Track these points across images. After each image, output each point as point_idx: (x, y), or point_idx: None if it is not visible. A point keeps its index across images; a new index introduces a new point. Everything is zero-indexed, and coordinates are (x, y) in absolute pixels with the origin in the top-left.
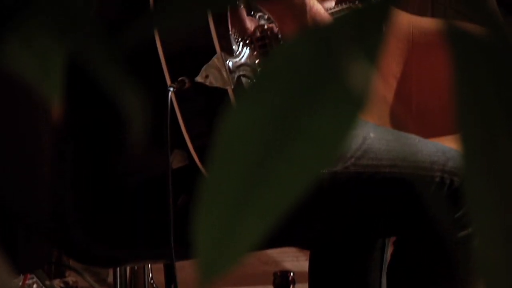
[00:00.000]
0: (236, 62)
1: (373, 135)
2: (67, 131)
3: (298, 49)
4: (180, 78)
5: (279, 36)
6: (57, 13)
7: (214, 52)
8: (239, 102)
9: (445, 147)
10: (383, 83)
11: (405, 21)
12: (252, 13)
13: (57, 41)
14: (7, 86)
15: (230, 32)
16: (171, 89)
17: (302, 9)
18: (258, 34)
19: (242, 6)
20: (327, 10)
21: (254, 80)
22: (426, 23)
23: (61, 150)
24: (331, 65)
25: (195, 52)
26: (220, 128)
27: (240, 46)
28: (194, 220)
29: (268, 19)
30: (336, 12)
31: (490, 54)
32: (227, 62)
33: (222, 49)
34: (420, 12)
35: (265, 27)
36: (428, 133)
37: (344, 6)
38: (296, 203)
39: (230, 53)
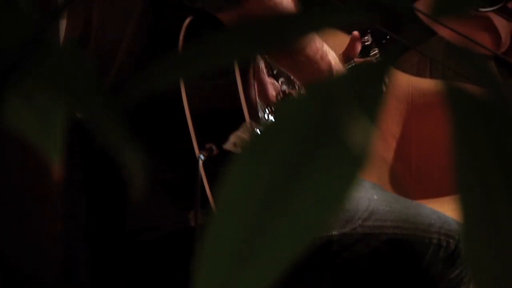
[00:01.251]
0: None
1: (376, 197)
2: (78, 188)
3: (301, 106)
4: (208, 146)
5: None
6: (59, 73)
7: (243, 119)
8: (242, 157)
9: (439, 211)
10: (383, 144)
11: (405, 82)
12: (275, 78)
13: (59, 101)
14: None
15: (257, 100)
16: (202, 157)
17: (329, 75)
18: (282, 101)
19: (265, 73)
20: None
21: (257, 136)
22: (426, 84)
23: (73, 206)
24: (331, 122)
25: (223, 119)
26: (223, 182)
27: (266, 114)
28: (194, 273)
29: (290, 83)
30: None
31: (490, 116)
32: (256, 130)
33: (251, 116)
34: (419, 73)
35: (287, 92)
36: (428, 194)
37: (351, 65)
38: (299, 260)
39: (257, 120)
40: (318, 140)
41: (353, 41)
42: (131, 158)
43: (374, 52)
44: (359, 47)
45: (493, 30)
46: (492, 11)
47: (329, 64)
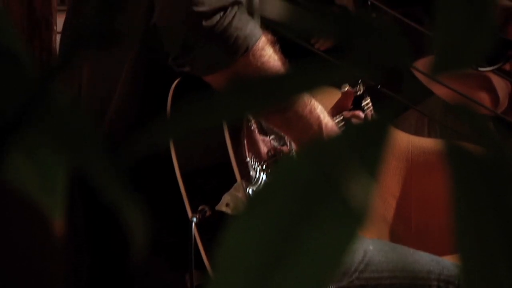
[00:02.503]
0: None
1: (372, 247)
2: (80, 246)
3: (300, 163)
4: (200, 207)
5: None
6: (60, 129)
7: (234, 180)
8: (240, 217)
9: (438, 257)
10: (383, 203)
11: (404, 141)
12: (267, 135)
13: (60, 157)
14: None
15: (248, 159)
16: (194, 219)
17: (318, 129)
18: (272, 158)
19: (256, 131)
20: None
21: (256, 194)
22: (425, 142)
23: (76, 265)
24: (331, 179)
25: (215, 180)
26: (221, 243)
27: (257, 172)
28: None
29: (281, 140)
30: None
31: (489, 174)
32: (248, 189)
33: (242, 176)
34: (417, 132)
35: (278, 149)
36: (428, 253)
37: (334, 119)
38: None
39: (249, 180)
40: (317, 198)
41: (345, 96)
42: (133, 216)
43: (366, 102)
44: (351, 101)
45: (491, 90)
46: (491, 70)
47: (318, 118)
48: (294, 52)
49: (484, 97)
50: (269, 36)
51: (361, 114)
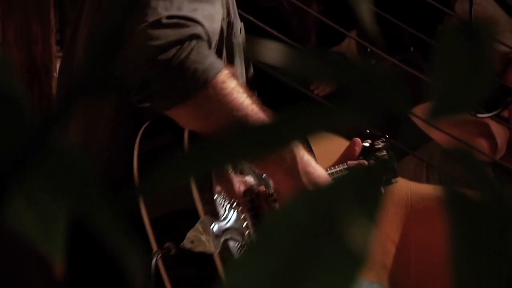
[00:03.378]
0: (222, 226)
1: None
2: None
3: (298, 209)
4: (166, 245)
5: (273, 196)
6: (61, 173)
7: (199, 217)
8: (240, 259)
9: None
10: (382, 249)
11: (404, 187)
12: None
13: (60, 201)
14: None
15: (215, 197)
16: (156, 255)
17: (296, 172)
18: (247, 197)
19: (230, 170)
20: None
21: (254, 238)
22: (424, 189)
23: None
24: (330, 224)
25: (179, 218)
26: (223, 282)
27: (227, 210)
28: None
29: (258, 178)
30: (333, 173)
31: (488, 220)
32: (212, 226)
33: (206, 213)
34: (415, 179)
35: (255, 189)
36: None
37: (338, 168)
38: None
39: (216, 216)
40: (317, 241)
41: (352, 146)
42: (132, 258)
43: (381, 154)
44: (358, 150)
45: (490, 136)
46: (490, 117)
47: (318, 175)
48: (291, 98)
49: (482, 143)
50: (232, 70)
51: (366, 163)
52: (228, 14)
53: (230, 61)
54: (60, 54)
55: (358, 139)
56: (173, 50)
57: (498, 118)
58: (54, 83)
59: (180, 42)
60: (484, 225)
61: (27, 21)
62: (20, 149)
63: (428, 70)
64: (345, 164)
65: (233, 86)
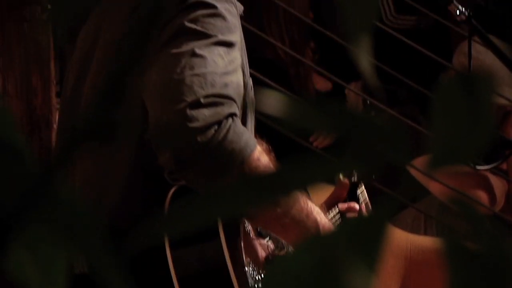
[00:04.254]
0: None
1: None
2: None
3: (300, 257)
4: None
5: None
6: (61, 222)
7: (231, 286)
8: None
9: None
10: None
11: (403, 239)
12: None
13: (61, 251)
14: None
15: (246, 268)
16: None
17: (316, 232)
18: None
19: (252, 234)
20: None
21: (259, 285)
22: (424, 241)
23: None
24: (331, 273)
25: (211, 286)
26: None
27: (255, 279)
28: None
29: (278, 243)
30: (331, 219)
31: (487, 272)
32: None
33: (239, 283)
34: (413, 231)
35: (275, 254)
36: None
37: (332, 213)
38: None
39: (247, 286)
40: None
41: (340, 187)
42: None
43: (360, 190)
44: (346, 192)
45: (489, 189)
46: (488, 169)
47: (315, 221)
48: (290, 150)
49: (481, 196)
50: (264, 145)
51: (356, 206)
52: (244, 75)
53: (243, 118)
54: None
55: (346, 182)
56: (212, 131)
57: (497, 171)
58: (54, 135)
59: (218, 122)
60: (483, 277)
61: (27, 73)
62: (21, 197)
63: (426, 123)
64: (336, 207)
65: (265, 162)
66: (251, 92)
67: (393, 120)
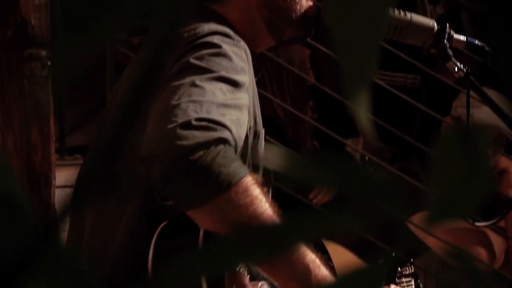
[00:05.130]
0: None
1: None
2: None
3: None
4: None
5: None
6: (61, 277)
7: None
8: None
9: None
10: None
11: None
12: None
13: None
14: None
15: None
16: None
17: (307, 277)
18: None
19: (246, 275)
20: None
21: None
22: None
23: None
24: None
25: None
26: None
27: None
28: None
29: (271, 286)
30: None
31: None
32: None
33: None
34: None
35: None
36: None
37: None
38: None
39: None
40: None
41: None
42: None
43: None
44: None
45: (488, 245)
46: (487, 226)
47: (307, 267)
48: (290, 207)
49: (481, 252)
50: (259, 178)
51: None
52: (255, 123)
53: (255, 169)
54: (59, 162)
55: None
56: (200, 152)
57: (496, 228)
58: (53, 191)
59: (208, 144)
60: None
61: (26, 130)
62: (22, 251)
63: (426, 179)
64: None
65: (256, 194)
66: (263, 144)
67: (393, 176)
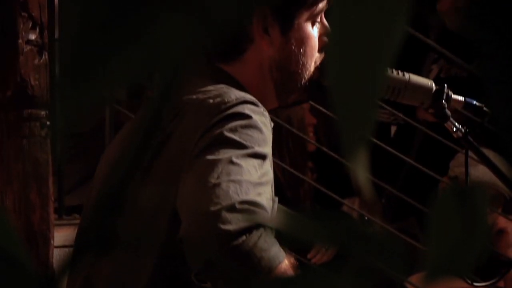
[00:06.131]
0: None
1: None
2: None
3: None
4: None
5: None
6: None
7: None
8: None
9: None
10: None
11: None
12: None
13: None
14: None
15: None
16: None
17: None
18: None
19: None
20: None
21: None
22: None
23: None
24: None
25: None
26: None
27: None
28: None
29: None
30: None
31: None
32: None
33: None
34: None
35: None
36: None
37: None
38: None
39: None
40: None
41: None
42: None
43: None
44: None
45: None
46: (486, 286)
47: None
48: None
49: None
50: (292, 260)
51: None
52: (272, 190)
53: None
54: (58, 222)
55: None
56: (243, 237)
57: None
58: (51, 251)
59: (251, 229)
60: None
61: (25, 190)
62: None
63: (424, 239)
64: None
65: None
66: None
67: (391, 236)
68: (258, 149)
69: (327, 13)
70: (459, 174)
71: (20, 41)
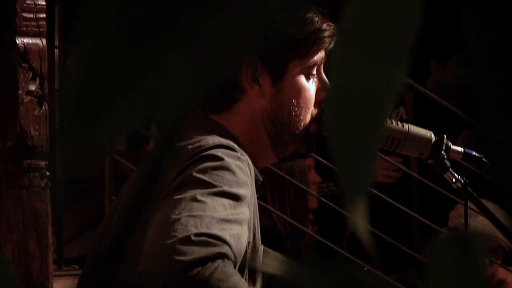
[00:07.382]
0: None
1: None
2: None
3: None
4: None
5: None
6: None
7: None
8: None
9: None
10: None
11: None
12: None
13: None
14: None
15: None
16: None
17: None
18: None
19: None
20: None
21: None
22: None
23: None
24: None
25: None
26: None
27: None
28: None
29: None
30: None
31: None
32: None
33: None
34: None
35: None
36: None
37: None
38: None
39: None
40: None
41: None
42: None
43: None
44: None
45: None
46: None
47: None
48: None
49: None
50: None
51: None
52: (254, 238)
53: (252, 283)
54: (57, 273)
55: None
56: (199, 268)
57: None
58: None
59: (206, 260)
60: None
61: (25, 240)
62: None
63: None
64: None
65: None
66: (261, 259)
67: (391, 286)
68: (228, 189)
69: (326, 67)
70: (458, 225)
71: (20, 91)
